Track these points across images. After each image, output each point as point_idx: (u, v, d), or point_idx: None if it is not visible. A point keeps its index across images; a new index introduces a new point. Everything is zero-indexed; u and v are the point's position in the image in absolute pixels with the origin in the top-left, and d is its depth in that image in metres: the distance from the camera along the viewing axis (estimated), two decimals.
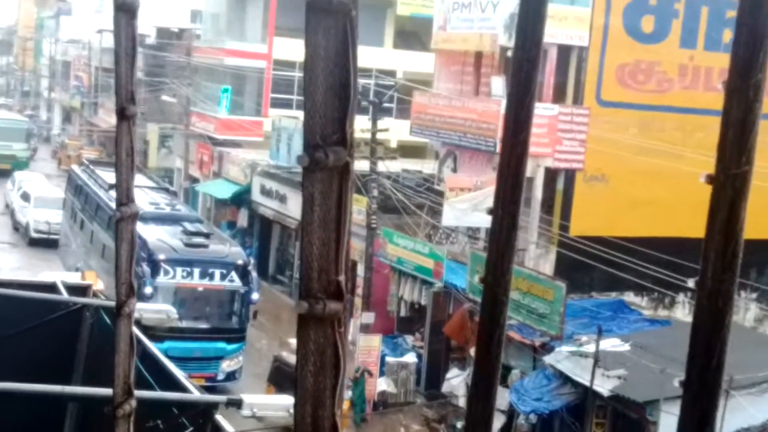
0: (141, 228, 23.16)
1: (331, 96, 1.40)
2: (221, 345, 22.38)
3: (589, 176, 23.40)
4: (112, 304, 10.09)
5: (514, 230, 2.84)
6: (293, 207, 30.50)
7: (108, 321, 10.46)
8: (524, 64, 2.74)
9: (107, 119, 55.92)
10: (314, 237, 1.44)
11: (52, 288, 11.63)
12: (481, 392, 2.46)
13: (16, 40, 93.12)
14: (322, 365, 1.45)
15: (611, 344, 18.68)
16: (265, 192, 32.80)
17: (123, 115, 2.15)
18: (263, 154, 34.77)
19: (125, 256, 2.29)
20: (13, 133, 50.50)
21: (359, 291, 26.35)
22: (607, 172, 23.40)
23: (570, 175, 23.47)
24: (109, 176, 29.02)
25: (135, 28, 2.16)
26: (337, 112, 1.41)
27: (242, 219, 35.19)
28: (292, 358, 23.05)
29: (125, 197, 2.26)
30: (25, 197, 37.50)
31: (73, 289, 11.70)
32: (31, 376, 8.80)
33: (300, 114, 23.97)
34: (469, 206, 22.33)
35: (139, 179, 30.16)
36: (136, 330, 9.21)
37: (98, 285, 22.45)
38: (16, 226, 37.75)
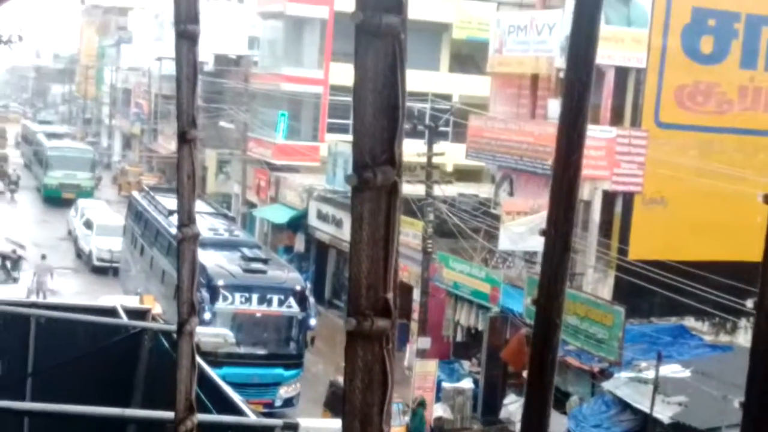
0: (200, 254, 23.34)
1: (380, 117, 1.42)
2: (279, 371, 22.44)
3: (648, 199, 23.15)
4: (171, 328, 10.26)
5: (567, 252, 2.83)
6: (349, 232, 30.53)
7: (166, 345, 10.59)
8: (576, 86, 2.73)
9: (167, 145, 56.75)
10: (363, 255, 1.46)
11: (112, 312, 11.82)
12: (534, 416, 2.44)
13: (78, 69, 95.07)
14: (369, 382, 1.46)
15: (671, 370, 18.39)
16: (322, 217, 32.98)
17: (184, 138, 2.20)
18: (320, 178, 34.99)
19: (187, 276, 2.34)
20: (78, 162, 51.05)
21: (415, 316, 26.31)
22: (666, 195, 23.13)
23: (628, 198, 23.24)
24: (169, 202, 29.39)
25: (196, 55, 2.21)
26: (385, 132, 1.43)
27: (299, 244, 35.38)
28: None
29: (187, 219, 2.30)
30: (88, 225, 37.99)
31: (133, 314, 11.88)
32: (92, 398, 8.95)
33: None
34: (525, 230, 22.20)
35: (197, 205, 30.47)
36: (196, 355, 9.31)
37: (156, 309, 22.77)
38: (79, 253, 38.30)
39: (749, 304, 18.07)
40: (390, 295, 1.53)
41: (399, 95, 1.45)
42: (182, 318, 2.38)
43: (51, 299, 26.79)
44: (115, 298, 26.72)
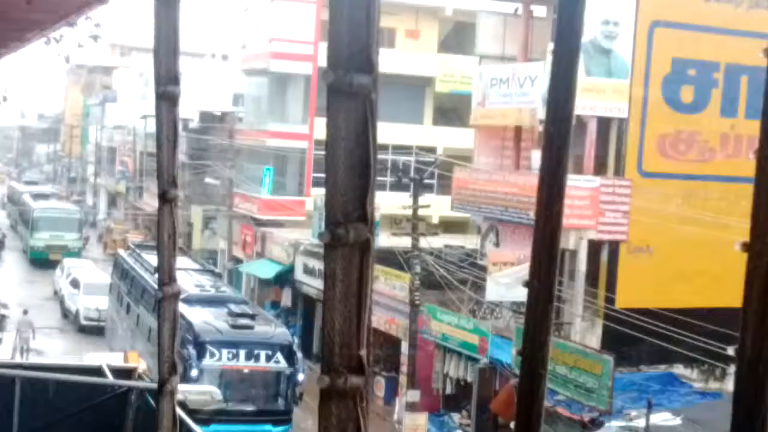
0: (186, 310, 23.26)
1: (352, 175, 1.44)
2: (268, 428, 22.27)
3: (634, 247, 23.22)
4: (155, 386, 10.13)
5: (550, 303, 2.83)
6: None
7: (153, 403, 10.51)
8: (555, 138, 2.77)
9: (152, 203, 56.72)
10: (336, 312, 1.46)
11: (98, 372, 11.73)
12: None
13: (63, 128, 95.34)
14: None
15: (662, 418, 18.30)
16: (308, 271, 32.92)
17: (165, 198, 2.22)
18: (306, 233, 35.00)
19: (167, 335, 2.34)
20: (65, 223, 50.48)
21: (404, 369, 26.17)
22: (652, 243, 23.22)
23: (614, 246, 23.31)
24: (155, 259, 29.34)
25: (176, 115, 2.23)
26: (357, 190, 1.44)
27: (286, 298, 35.27)
28: None
29: (167, 277, 2.31)
30: (75, 284, 37.77)
31: (119, 373, 11.80)
32: None
33: None
34: (512, 280, 22.20)
35: (184, 262, 30.58)
36: (180, 412, 9.24)
37: (142, 365, 22.56)
38: (66, 313, 38.00)
39: (730, 350, 18.06)
40: (363, 352, 1.53)
41: (370, 153, 1.47)
42: (163, 377, 2.37)
43: (35, 359, 26.55)
44: (101, 355, 26.59)
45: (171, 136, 2.29)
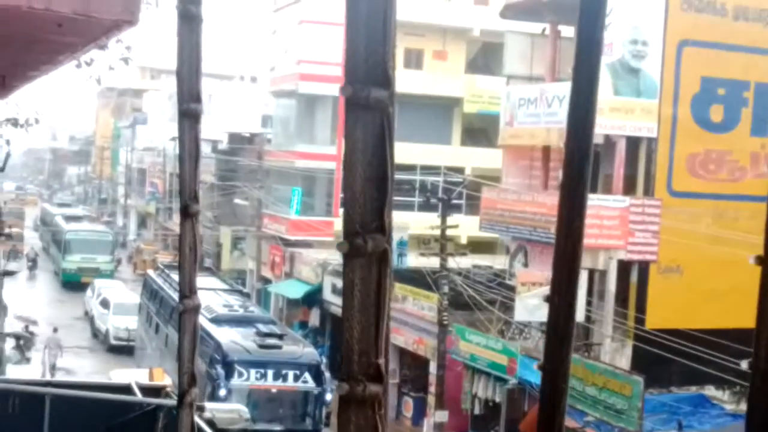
0: (215, 330, 23.38)
1: (370, 187, 1.47)
2: None
3: (664, 267, 23.08)
4: None
5: (571, 318, 2.85)
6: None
7: None
8: (576, 155, 2.79)
9: None
10: (354, 321, 1.49)
11: (127, 390, 11.82)
12: None
13: (94, 150, 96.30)
14: None
15: None
16: (337, 291, 32.94)
17: (186, 212, 2.26)
18: (334, 253, 34.98)
19: (187, 347, 2.37)
20: (97, 246, 50.25)
21: (432, 389, 26.09)
22: (682, 263, 23.06)
23: (644, 266, 23.17)
24: None
25: (198, 132, 2.28)
26: (375, 201, 1.47)
27: (314, 318, 35.31)
28: None
29: (188, 290, 2.35)
30: (105, 304, 38.02)
31: (148, 391, 11.88)
32: None
33: None
34: (541, 300, 22.12)
35: (212, 282, 30.72)
36: (208, 429, 9.25)
37: (167, 380, 22.74)
38: (95, 333, 38.26)
39: (744, 365, 17.87)
40: (382, 361, 1.56)
41: (388, 166, 1.50)
42: (183, 389, 2.41)
43: (64, 377, 26.73)
44: (127, 372, 26.80)
45: (193, 152, 2.34)
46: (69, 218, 57.50)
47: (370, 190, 1.47)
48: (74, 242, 49.94)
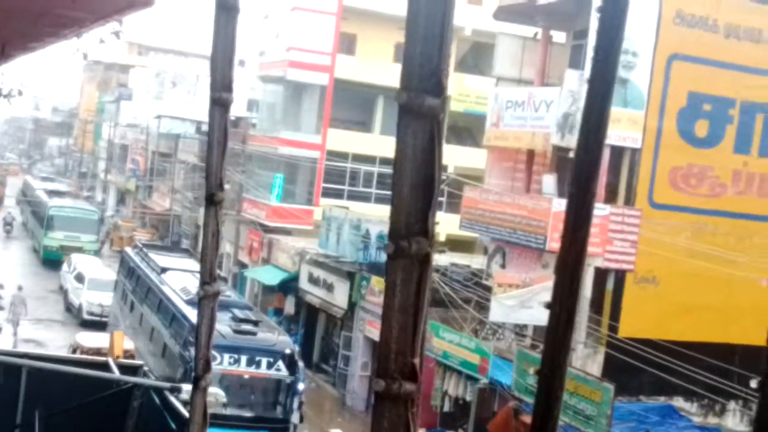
0: (190, 312, 23.31)
1: (416, 191, 1.52)
2: None
3: (640, 278, 23.26)
4: (162, 384, 10.24)
5: (570, 325, 2.91)
6: (339, 296, 30.62)
7: (157, 401, 10.60)
8: (585, 165, 2.84)
9: (161, 202, 56.94)
10: (393, 321, 1.54)
11: (104, 366, 11.82)
12: None
13: (77, 123, 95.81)
14: None
15: None
16: (313, 280, 33.00)
17: (212, 200, 2.30)
18: (312, 242, 35.09)
19: (205, 332, 2.42)
20: (82, 224, 48.02)
21: None
22: (658, 275, 23.25)
23: (620, 275, 23.35)
24: (162, 259, 29.42)
25: (227, 121, 2.32)
26: (421, 206, 1.52)
27: (289, 306, 35.34)
28: None
29: (209, 277, 2.40)
30: (79, 278, 37.85)
31: (125, 369, 11.89)
32: None
33: (350, 204, 24.32)
34: (517, 303, 22.26)
35: (190, 263, 30.63)
36: (183, 410, 9.28)
37: (126, 344, 23.09)
38: (69, 307, 38.09)
39: (753, 383, 18.07)
40: (417, 361, 1.61)
41: (435, 172, 1.55)
42: (198, 373, 2.46)
43: (37, 350, 26.65)
44: (88, 335, 27.12)
45: (221, 140, 2.38)
46: (52, 193, 55.33)
47: (416, 194, 1.52)
48: (57, 219, 47.74)
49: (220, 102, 2.36)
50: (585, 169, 2.94)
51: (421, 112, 1.51)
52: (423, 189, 1.52)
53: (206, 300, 2.40)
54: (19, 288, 33.05)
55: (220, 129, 2.34)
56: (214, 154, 2.29)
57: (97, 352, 23.81)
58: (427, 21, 1.53)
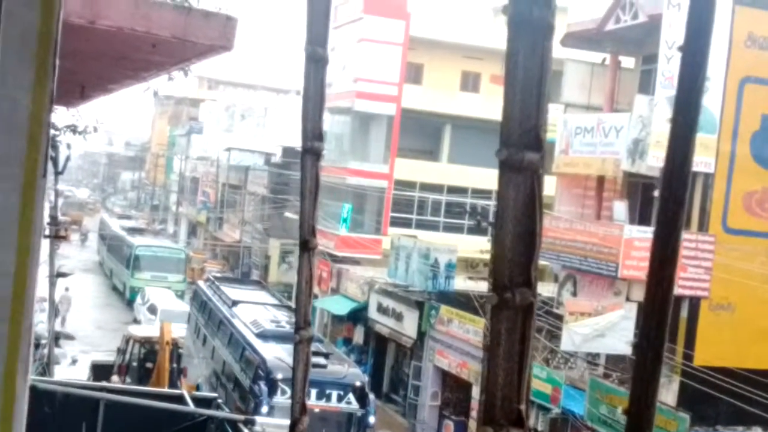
0: (260, 346, 23.42)
1: (518, 243, 1.57)
2: None
3: (715, 305, 22.87)
4: (236, 417, 10.36)
5: (659, 363, 2.92)
6: (408, 326, 30.61)
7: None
8: (671, 202, 2.85)
9: (231, 234, 57.62)
10: (499, 369, 1.58)
11: (179, 399, 12.00)
12: None
13: (149, 157, 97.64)
14: None
15: None
16: (382, 310, 33.06)
17: (305, 246, 2.36)
18: (381, 271, 35.20)
19: (301, 377, 2.48)
20: (168, 263, 47.48)
21: (474, 413, 26.05)
22: (733, 301, 22.84)
23: (695, 302, 22.99)
24: (233, 292, 29.70)
25: (318, 169, 2.39)
26: (523, 257, 1.57)
27: (358, 336, 35.45)
28: None
29: (303, 322, 2.46)
30: (152, 310, 38.37)
31: (200, 401, 12.05)
32: None
33: (418, 233, 24.25)
34: (589, 331, 22.04)
35: (262, 295, 30.90)
36: None
37: (173, 334, 25.12)
38: None
39: None
40: (523, 407, 1.65)
41: (536, 223, 1.59)
42: (295, 416, 2.53)
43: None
44: (140, 327, 31.65)
45: (313, 188, 2.45)
46: (132, 231, 54.56)
47: (519, 246, 1.56)
48: (144, 258, 47.23)
49: (311, 151, 2.43)
50: (671, 205, 2.96)
51: (521, 167, 1.56)
52: (525, 241, 1.56)
53: (301, 345, 2.47)
54: (66, 289, 35.62)
55: (312, 177, 2.41)
56: (307, 202, 2.35)
57: (148, 340, 26.92)
58: (526, 75, 1.58)
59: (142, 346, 27.31)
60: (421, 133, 41.26)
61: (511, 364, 1.59)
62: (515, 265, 1.55)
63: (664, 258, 2.97)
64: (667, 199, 2.98)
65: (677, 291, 22.47)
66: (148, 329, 29.76)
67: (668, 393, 22.48)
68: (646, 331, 2.98)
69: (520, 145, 1.56)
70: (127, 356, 27.43)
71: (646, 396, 2.96)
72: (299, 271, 2.43)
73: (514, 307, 1.57)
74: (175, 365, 25.32)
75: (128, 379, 26.53)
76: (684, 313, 23.07)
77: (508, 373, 1.59)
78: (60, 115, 16.36)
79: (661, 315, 2.96)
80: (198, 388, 26.06)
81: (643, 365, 2.97)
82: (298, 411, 2.51)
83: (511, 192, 1.55)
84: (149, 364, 26.32)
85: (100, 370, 26.92)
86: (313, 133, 2.39)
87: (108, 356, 32.35)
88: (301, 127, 2.44)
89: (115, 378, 25.84)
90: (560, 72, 28.25)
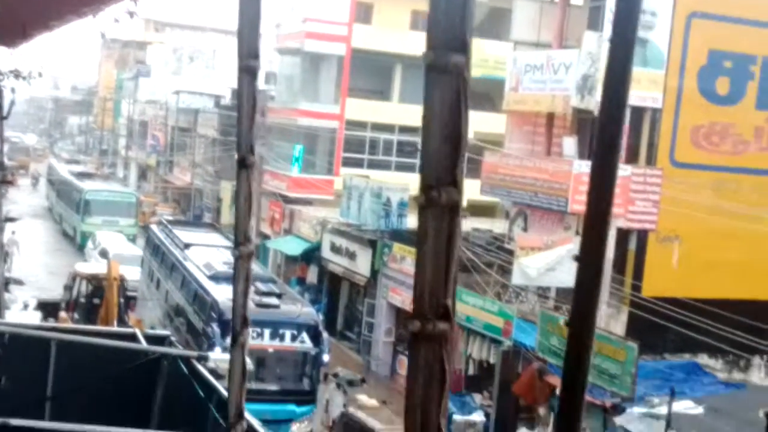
0: (212, 287, 23.32)
1: (445, 145, 1.61)
2: (291, 407, 22.05)
3: (663, 237, 23.27)
4: (190, 353, 10.39)
5: (598, 279, 3.00)
6: (362, 264, 30.77)
7: (185, 370, 10.77)
8: (609, 124, 2.91)
9: (182, 177, 57.19)
10: (426, 265, 1.63)
11: (131, 337, 11.99)
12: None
13: (96, 101, 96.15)
14: (430, 378, 1.65)
15: (684, 407, 18.42)
16: (335, 249, 33.16)
17: (244, 164, 2.39)
18: (334, 211, 35.22)
19: (241, 291, 2.52)
20: (119, 208, 46.79)
21: None
22: (680, 233, 23.26)
23: (642, 235, 23.36)
24: (185, 235, 29.56)
25: (255, 88, 2.40)
26: (449, 158, 1.61)
27: (312, 276, 35.56)
28: (359, 415, 23.07)
29: (243, 238, 2.50)
30: (104, 254, 38.02)
31: (152, 339, 12.05)
32: (109, 421, 9.08)
33: (370, 173, 24.27)
34: (539, 265, 22.33)
35: (215, 238, 30.78)
36: (212, 379, 9.45)
37: (120, 271, 25.44)
38: None
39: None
40: (450, 302, 1.71)
41: (462, 125, 1.63)
42: (235, 331, 2.57)
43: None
44: (87, 264, 31.86)
45: (250, 106, 2.47)
46: (81, 175, 53.39)
47: (445, 147, 1.60)
48: (94, 203, 46.45)
49: (248, 69, 2.45)
50: (608, 130, 3.03)
51: (447, 70, 1.59)
52: (451, 142, 1.60)
53: (242, 260, 2.50)
54: (13, 232, 35.31)
55: (248, 95, 2.43)
56: (244, 120, 2.37)
57: (95, 276, 27.10)
58: None
59: (89, 282, 27.36)
60: (371, 73, 41.04)
61: (438, 261, 1.64)
62: (441, 167, 1.59)
63: (603, 178, 3.04)
64: (605, 123, 3.05)
65: (625, 224, 22.83)
66: (95, 266, 29.96)
67: (617, 323, 22.94)
68: (586, 246, 3.07)
69: (446, 48, 1.59)
70: (74, 293, 27.52)
71: (587, 308, 3.06)
72: (237, 188, 2.46)
73: (440, 205, 1.61)
74: (122, 300, 25.62)
75: (76, 315, 26.62)
76: (632, 245, 23.46)
77: (435, 271, 1.64)
78: (3, 60, 16.05)
79: (601, 230, 3.04)
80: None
81: (582, 279, 3.06)
82: (240, 324, 2.56)
83: (437, 94, 1.58)
84: (96, 300, 26.36)
85: (47, 308, 26.90)
86: (249, 52, 2.41)
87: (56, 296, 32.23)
88: (237, 46, 2.46)
89: (63, 314, 25.87)
90: (509, 9, 28.21)
